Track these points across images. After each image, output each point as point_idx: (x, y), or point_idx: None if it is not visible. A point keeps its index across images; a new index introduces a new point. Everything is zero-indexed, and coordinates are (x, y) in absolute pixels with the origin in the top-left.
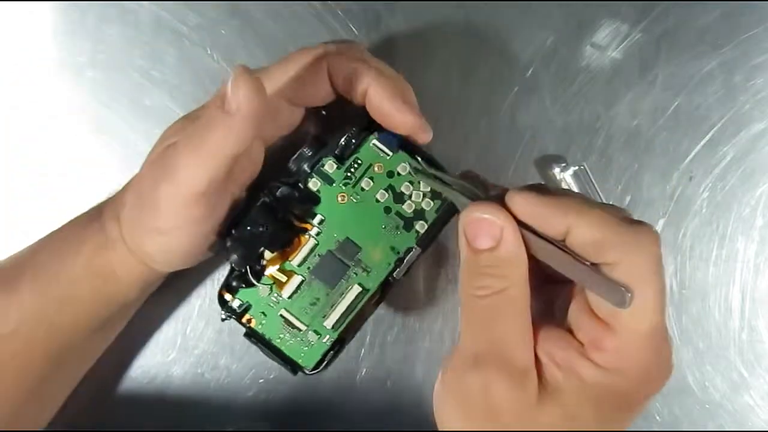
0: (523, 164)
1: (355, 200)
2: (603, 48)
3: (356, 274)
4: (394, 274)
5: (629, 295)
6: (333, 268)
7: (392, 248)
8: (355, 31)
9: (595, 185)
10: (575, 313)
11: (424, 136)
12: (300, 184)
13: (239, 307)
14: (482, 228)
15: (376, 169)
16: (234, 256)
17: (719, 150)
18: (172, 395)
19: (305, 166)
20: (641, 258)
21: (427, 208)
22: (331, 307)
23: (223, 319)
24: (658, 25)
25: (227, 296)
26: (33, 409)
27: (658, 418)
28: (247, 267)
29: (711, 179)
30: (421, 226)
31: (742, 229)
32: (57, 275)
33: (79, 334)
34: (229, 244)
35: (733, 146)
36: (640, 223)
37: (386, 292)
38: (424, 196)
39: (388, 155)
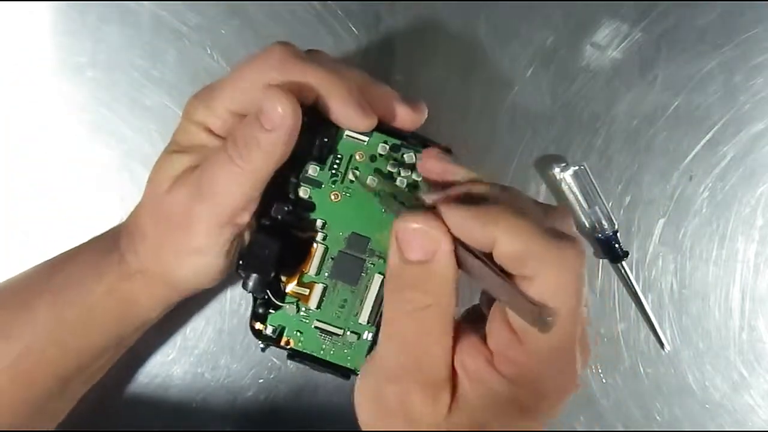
0: (523, 164)
1: (348, 194)
2: (603, 48)
3: (373, 264)
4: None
5: (549, 318)
6: (349, 265)
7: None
8: (355, 31)
9: (595, 185)
10: (492, 319)
11: (405, 121)
12: (291, 196)
13: (273, 332)
14: (416, 239)
15: (357, 158)
16: (251, 285)
17: (719, 150)
18: (172, 395)
19: (291, 178)
20: (559, 273)
21: (419, 179)
22: (360, 303)
23: (263, 349)
24: (658, 25)
25: (258, 326)
26: (37, 422)
27: (658, 418)
28: (267, 291)
29: (711, 179)
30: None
31: (742, 229)
32: (74, 301)
33: (91, 355)
34: (243, 275)
35: (733, 146)
36: (566, 237)
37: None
38: (412, 169)
39: (365, 141)
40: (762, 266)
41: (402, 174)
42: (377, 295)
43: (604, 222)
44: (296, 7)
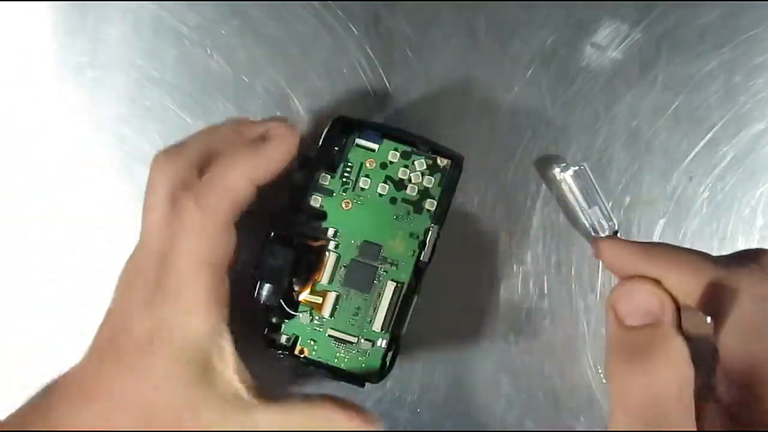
0: (523, 164)
1: (359, 202)
2: (603, 48)
3: (386, 271)
4: (422, 258)
5: None
6: (362, 273)
7: (411, 234)
8: (355, 31)
9: (595, 185)
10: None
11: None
12: (302, 206)
13: (287, 341)
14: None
15: (368, 165)
16: (264, 295)
17: (719, 150)
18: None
19: (302, 188)
20: None
21: (430, 185)
22: (374, 310)
23: (280, 357)
24: (658, 25)
25: (273, 336)
26: None
27: None
28: (281, 301)
29: (711, 179)
30: (430, 204)
31: (742, 229)
32: None
33: None
34: (257, 285)
35: (733, 146)
36: None
37: (420, 277)
38: (423, 174)
39: (375, 149)
40: None
41: (413, 180)
42: (390, 301)
43: (604, 222)
44: (296, 7)
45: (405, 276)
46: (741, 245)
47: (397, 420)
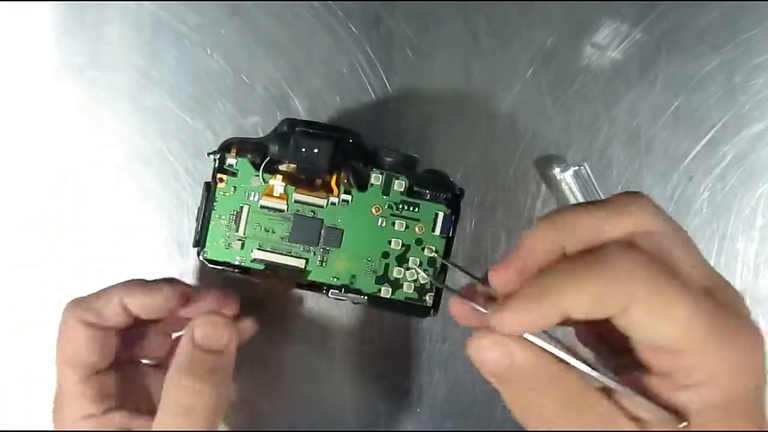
0: (523, 164)
1: (380, 223)
2: (603, 48)
3: (313, 254)
4: (330, 292)
5: (684, 424)
6: (309, 233)
7: (353, 276)
8: (355, 31)
9: (595, 185)
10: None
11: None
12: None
13: (229, 167)
14: (488, 356)
15: (417, 230)
16: (272, 147)
17: (719, 150)
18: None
19: (386, 158)
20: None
21: (408, 290)
22: (272, 248)
23: (209, 154)
24: (658, 25)
25: (230, 159)
26: None
27: None
28: (267, 160)
29: (711, 179)
30: (385, 291)
31: (742, 229)
32: None
33: None
34: (286, 131)
35: (733, 146)
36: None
37: (313, 289)
38: (416, 279)
39: (438, 235)
40: (762, 266)
41: (408, 266)
42: (282, 263)
43: None
44: (296, 7)
45: (313, 276)
46: (741, 245)
47: (398, 420)
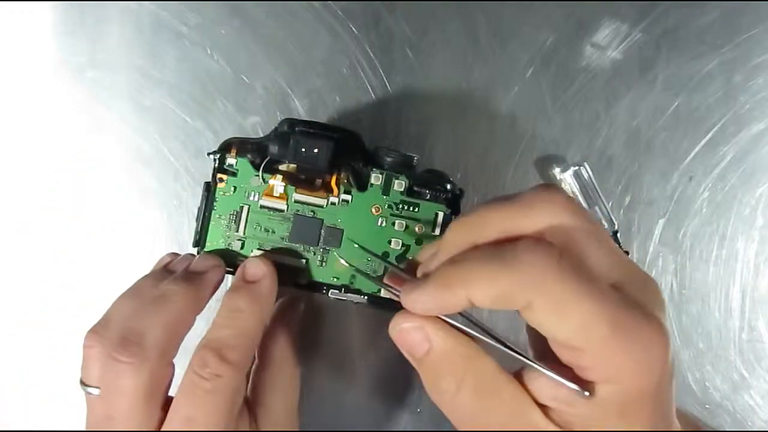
0: (523, 164)
1: (380, 223)
2: (603, 48)
3: (313, 254)
4: (330, 292)
5: (586, 394)
6: (309, 233)
7: (353, 276)
8: (355, 31)
9: (596, 185)
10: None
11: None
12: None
13: (229, 166)
14: (408, 338)
15: (417, 230)
16: (272, 147)
17: (719, 150)
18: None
19: (386, 158)
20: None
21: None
22: (272, 248)
23: (209, 154)
24: (658, 25)
25: (230, 159)
26: None
27: None
28: (267, 160)
29: (711, 179)
30: (385, 291)
31: (742, 229)
32: None
33: None
34: (286, 131)
35: (733, 146)
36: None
37: (313, 289)
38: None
39: (438, 235)
40: (762, 266)
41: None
42: (281, 262)
43: (604, 222)
44: (296, 7)
45: (313, 275)
46: (741, 245)
47: (398, 420)
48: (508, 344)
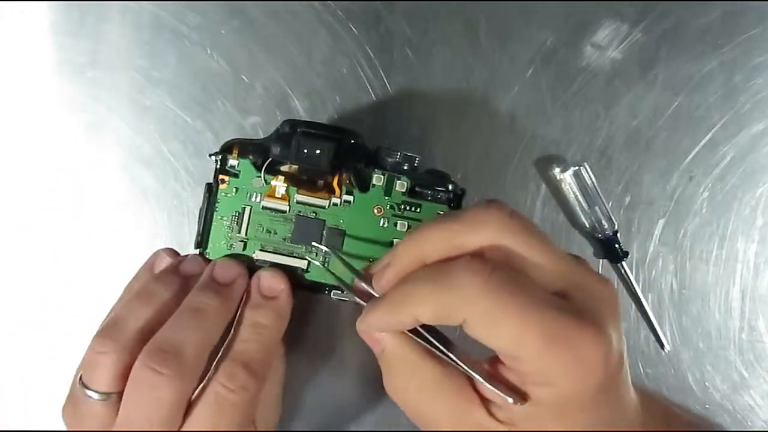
0: (523, 164)
1: (383, 224)
2: (603, 48)
3: (315, 255)
4: (333, 292)
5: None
6: (311, 233)
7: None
8: (355, 31)
9: (596, 185)
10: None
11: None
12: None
13: (231, 168)
14: (367, 337)
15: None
16: (274, 147)
17: (719, 150)
18: None
19: (387, 158)
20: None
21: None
22: (274, 249)
23: (210, 155)
24: (658, 25)
25: (232, 160)
26: None
27: None
28: (269, 161)
29: (711, 179)
30: None
31: (742, 229)
32: None
33: None
34: (287, 132)
35: (733, 146)
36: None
37: (315, 290)
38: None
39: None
40: (762, 266)
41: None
42: (283, 265)
43: (604, 222)
44: (296, 7)
45: (315, 275)
46: (741, 245)
47: (398, 420)
48: (449, 354)
